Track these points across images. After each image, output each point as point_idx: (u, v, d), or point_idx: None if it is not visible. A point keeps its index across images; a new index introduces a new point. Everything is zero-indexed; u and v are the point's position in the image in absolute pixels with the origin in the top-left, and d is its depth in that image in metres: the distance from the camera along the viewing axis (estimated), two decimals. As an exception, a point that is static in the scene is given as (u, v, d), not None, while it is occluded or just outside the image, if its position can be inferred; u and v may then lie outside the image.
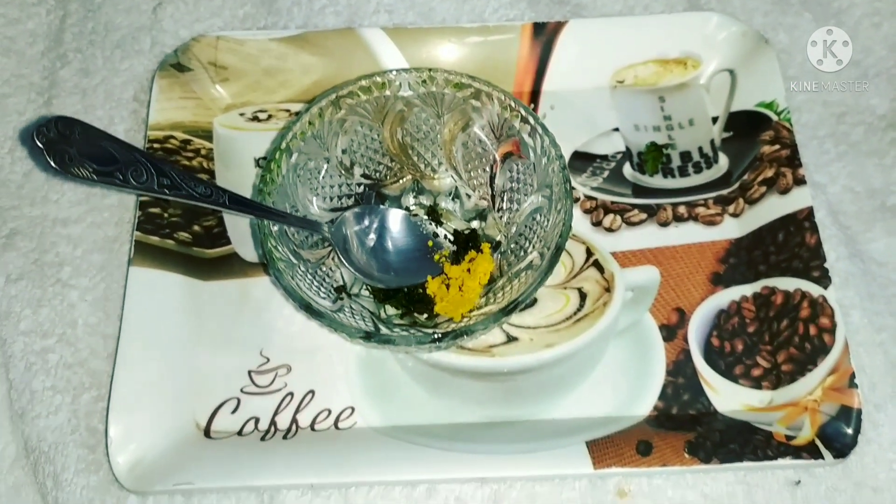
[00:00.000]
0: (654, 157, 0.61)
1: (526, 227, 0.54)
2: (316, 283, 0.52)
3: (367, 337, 0.47)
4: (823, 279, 0.53)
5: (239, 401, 0.54)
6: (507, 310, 0.48)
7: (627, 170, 0.61)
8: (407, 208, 0.58)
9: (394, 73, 0.54)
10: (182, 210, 0.58)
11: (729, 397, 0.53)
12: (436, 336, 0.47)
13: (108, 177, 0.42)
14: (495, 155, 0.55)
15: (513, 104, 0.53)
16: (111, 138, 0.43)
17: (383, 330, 0.52)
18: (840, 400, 0.50)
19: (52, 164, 0.40)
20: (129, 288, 0.55)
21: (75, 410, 0.54)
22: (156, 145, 0.60)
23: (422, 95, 0.55)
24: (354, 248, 0.55)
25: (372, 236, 0.56)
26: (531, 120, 0.52)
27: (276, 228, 0.51)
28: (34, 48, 0.68)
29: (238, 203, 0.49)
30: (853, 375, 0.51)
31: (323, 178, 0.56)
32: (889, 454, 0.52)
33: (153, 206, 0.58)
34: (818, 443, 0.49)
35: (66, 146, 0.41)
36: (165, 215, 0.58)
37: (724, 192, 0.60)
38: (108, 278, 0.58)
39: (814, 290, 0.53)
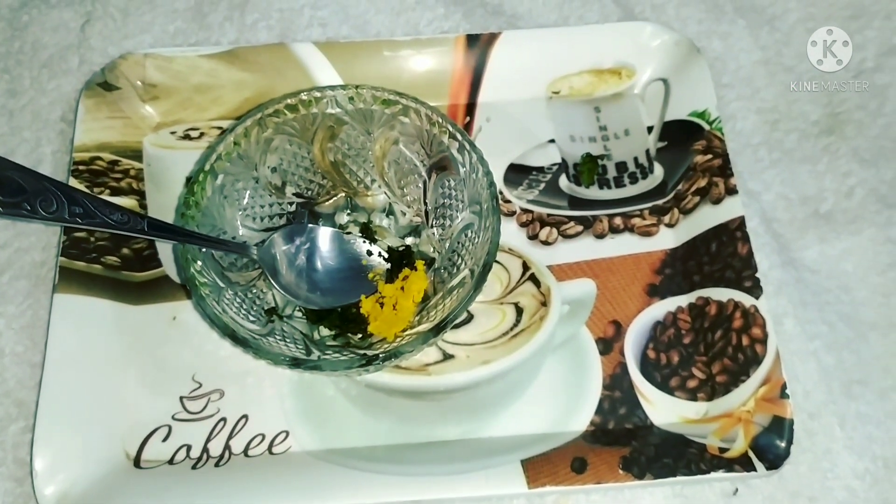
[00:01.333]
0: (589, 169, 0.61)
1: (458, 243, 0.54)
2: (245, 306, 0.51)
3: (294, 364, 0.46)
4: (755, 289, 0.53)
5: (170, 428, 0.53)
6: (437, 329, 0.47)
7: (563, 182, 0.61)
8: (340, 225, 0.57)
9: (320, 90, 0.53)
10: (109, 234, 0.57)
11: (665, 410, 0.53)
12: (364, 361, 0.46)
13: (15, 208, 0.41)
14: (427, 171, 0.55)
15: (440, 120, 0.52)
16: (17, 167, 0.42)
17: (314, 353, 0.51)
18: (772, 410, 0.50)
19: (-46, 198, 0.39)
20: (53, 315, 0.54)
21: (2, 442, 0.53)
22: (81, 167, 0.59)
23: (350, 112, 0.54)
24: (284, 270, 0.54)
25: (302, 257, 0.55)
26: (459, 136, 0.52)
27: (201, 252, 0.50)
28: (-41, 69, 0.66)
29: (159, 229, 0.47)
30: (785, 386, 0.51)
31: (252, 198, 0.55)
32: (824, 463, 0.52)
33: (79, 230, 0.56)
34: (751, 454, 0.49)
35: (-31, 179, 0.40)
36: (92, 239, 0.56)
37: (660, 202, 0.60)
38: (34, 305, 0.57)
39: (746, 300, 0.53)
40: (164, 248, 0.58)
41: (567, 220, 0.59)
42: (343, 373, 0.48)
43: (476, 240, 0.52)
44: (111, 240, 0.57)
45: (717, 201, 0.57)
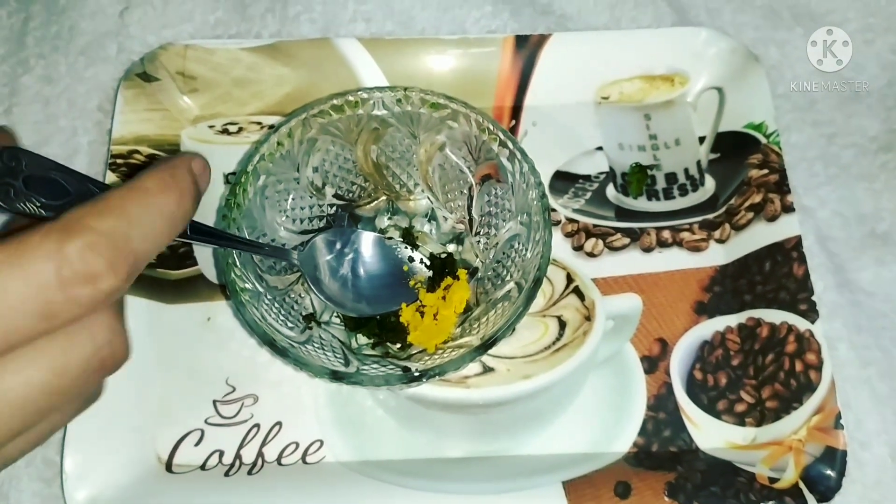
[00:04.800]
0: (638, 179, 0.59)
1: (504, 254, 0.52)
2: (283, 311, 0.50)
3: (335, 377, 0.45)
4: (811, 313, 0.52)
5: (203, 432, 0.52)
6: (484, 346, 0.46)
7: (611, 191, 0.59)
8: (381, 230, 0.56)
9: (367, 91, 0.52)
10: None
11: (711, 434, 0.52)
12: (407, 378, 0.45)
13: (59, 211, 0.39)
14: (473, 178, 0.53)
15: (491, 127, 0.50)
16: (63, 168, 0.40)
17: (353, 362, 0.49)
18: (825, 441, 0.49)
19: (-5, 200, 0.38)
20: (88, 314, 0.52)
21: (31, 441, 0.52)
22: (119, 161, 0.57)
23: (397, 114, 0.52)
24: (325, 276, 0.52)
25: (344, 261, 0.53)
26: (510, 144, 0.50)
27: (241, 256, 0.48)
28: (-6, 52, 0.65)
29: (200, 233, 0.46)
30: (839, 415, 0.49)
31: (293, 199, 0.53)
32: (873, 494, 0.50)
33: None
34: (802, 486, 0.48)
35: (12, 179, 0.38)
36: (128, 235, 0.55)
37: (710, 216, 0.58)
38: (68, 300, 0.56)
39: (801, 323, 0.52)
40: (200, 247, 0.57)
41: (614, 232, 0.58)
42: (384, 388, 0.47)
43: (524, 252, 0.50)
44: (147, 236, 0.56)
45: (773, 218, 0.55)
